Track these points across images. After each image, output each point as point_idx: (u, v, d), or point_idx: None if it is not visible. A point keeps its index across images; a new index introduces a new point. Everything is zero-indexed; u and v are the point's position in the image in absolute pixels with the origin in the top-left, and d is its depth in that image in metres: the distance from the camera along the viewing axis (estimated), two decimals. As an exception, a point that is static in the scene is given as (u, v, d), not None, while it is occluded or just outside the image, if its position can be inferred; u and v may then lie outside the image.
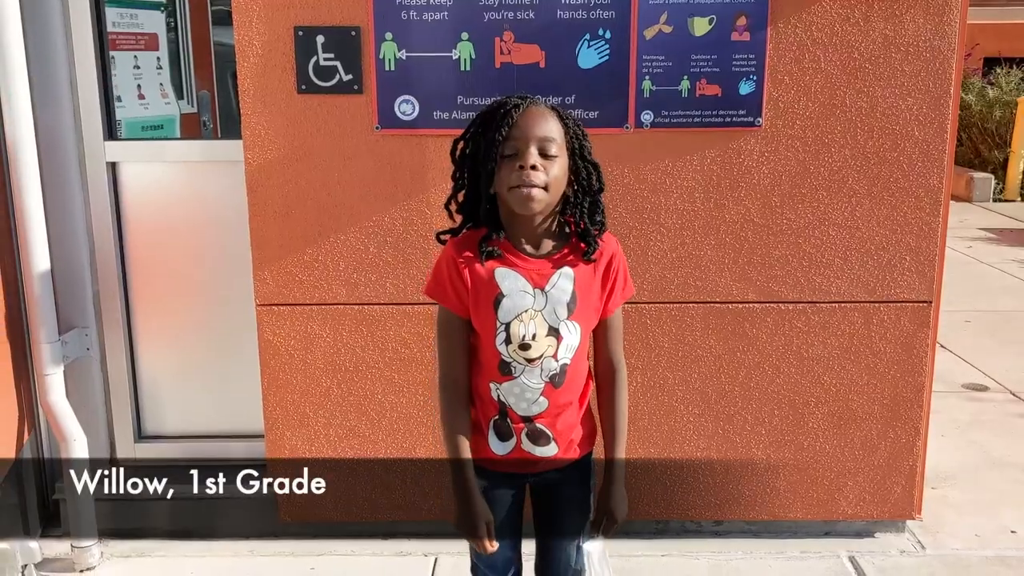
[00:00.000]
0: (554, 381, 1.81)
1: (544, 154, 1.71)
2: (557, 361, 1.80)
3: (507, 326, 1.78)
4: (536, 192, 1.70)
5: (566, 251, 1.80)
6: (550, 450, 1.86)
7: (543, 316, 1.77)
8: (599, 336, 1.88)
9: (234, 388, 3.12)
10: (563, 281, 1.78)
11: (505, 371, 1.81)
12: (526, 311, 1.77)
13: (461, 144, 1.80)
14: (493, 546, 1.81)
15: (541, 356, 1.79)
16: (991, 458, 3.67)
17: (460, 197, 1.82)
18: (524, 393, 1.81)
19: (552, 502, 1.96)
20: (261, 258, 2.80)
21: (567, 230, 1.83)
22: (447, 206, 1.84)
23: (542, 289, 1.77)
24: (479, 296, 1.78)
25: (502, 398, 1.83)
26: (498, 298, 1.77)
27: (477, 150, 1.76)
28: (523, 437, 1.85)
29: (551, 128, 1.72)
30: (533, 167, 1.70)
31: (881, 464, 2.94)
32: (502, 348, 1.79)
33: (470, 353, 1.86)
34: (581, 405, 1.89)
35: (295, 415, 2.90)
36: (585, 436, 1.92)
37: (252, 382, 2.94)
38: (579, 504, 1.95)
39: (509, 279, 1.77)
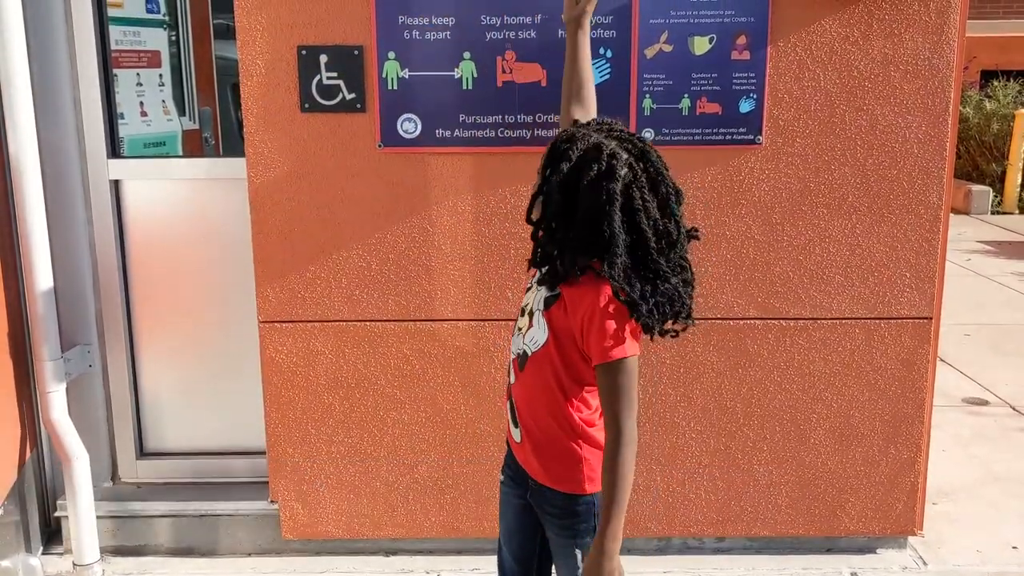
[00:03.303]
0: (519, 360, 1.86)
1: None
2: (523, 343, 1.85)
3: (531, 286, 1.89)
4: None
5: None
6: (516, 433, 1.92)
7: (536, 296, 1.84)
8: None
9: (236, 405, 3.13)
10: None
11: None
12: (535, 285, 1.86)
13: None
14: None
15: (521, 329, 1.87)
16: (992, 473, 3.68)
17: None
18: (512, 350, 1.91)
19: (548, 536, 1.98)
20: (264, 275, 2.81)
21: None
22: None
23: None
24: None
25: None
26: None
27: None
28: (508, 403, 1.94)
29: (545, 153, 1.77)
30: None
31: (883, 480, 2.95)
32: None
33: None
34: (545, 429, 1.84)
35: (297, 432, 2.90)
36: (555, 470, 1.87)
37: (254, 399, 2.94)
38: (564, 554, 1.92)
39: None
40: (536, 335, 1.82)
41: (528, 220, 1.80)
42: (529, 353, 1.83)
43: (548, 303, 1.79)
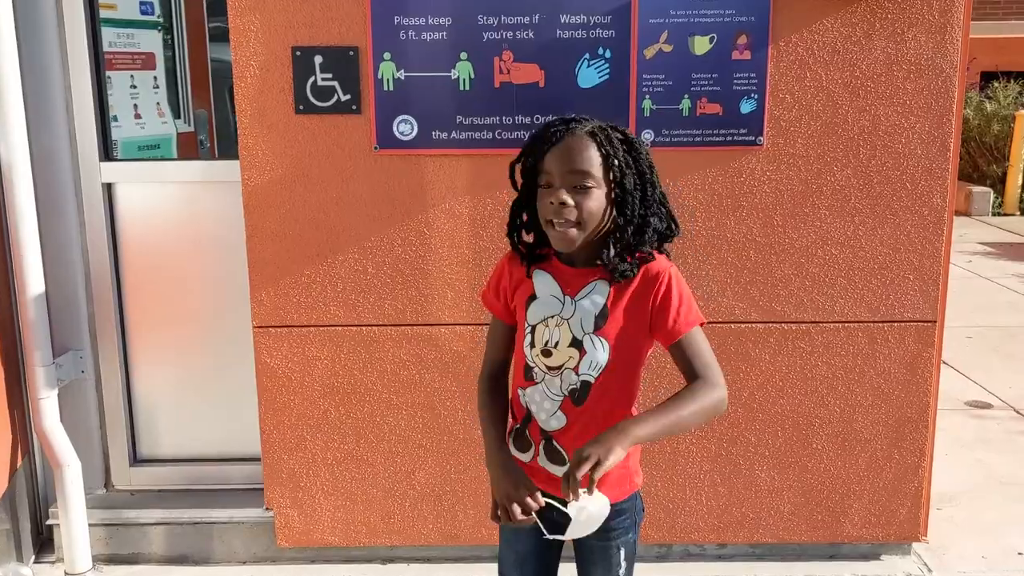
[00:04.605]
0: (574, 397, 1.76)
1: (578, 187, 1.68)
2: (578, 376, 1.75)
3: (533, 329, 1.79)
4: (570, 231, 1.69)
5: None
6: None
7: (569, 325, 1.75)
8: (677, 363, 1.79)
9: (231, 411, 3.09)
10: (595, 294, 1.74)
11: (528, 376, 1.81)
12: (552, 317, 1.77)
13: (518, 167, 1.80)
14: (534, 503, 1.69)
15: (562, 366, 1.76)
16: (996, 477, 3.64)
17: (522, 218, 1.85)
18: (543, 403, 1.79)
19: (578, 551, 1.93)
20: (258, 279, 2.77)
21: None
22: (509, 234, 1.85)
23: (572, 298, 1.75)
24: (517, 294, 1.83)
25: (527, 404, 1.83)
26: (530, 299, 1.80)
27: (523, 172, 1.78)
28: (540, 450, 1.83)
29: (586, 160, 1.67)
30: (563, 203, 1.67)
31: (886, 485, 2.91)
32: (527, 351, 1.80)
33: (508, 353, 1.91)
34: None
35: (292, 438, 2.87)
36: (612, 482, 1.79)
37: (249, 405, 2.91)
38: (600, 556, 1.88)
39: (544, 282, 1.79)
40: (595, 358, 1.73)
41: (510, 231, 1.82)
42: (592, 381, 1.75)
43: (599, 321, 1.73)
